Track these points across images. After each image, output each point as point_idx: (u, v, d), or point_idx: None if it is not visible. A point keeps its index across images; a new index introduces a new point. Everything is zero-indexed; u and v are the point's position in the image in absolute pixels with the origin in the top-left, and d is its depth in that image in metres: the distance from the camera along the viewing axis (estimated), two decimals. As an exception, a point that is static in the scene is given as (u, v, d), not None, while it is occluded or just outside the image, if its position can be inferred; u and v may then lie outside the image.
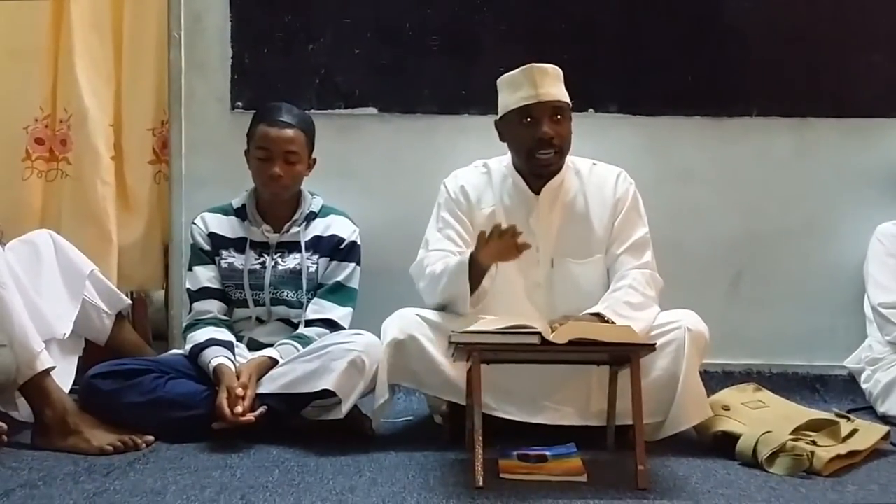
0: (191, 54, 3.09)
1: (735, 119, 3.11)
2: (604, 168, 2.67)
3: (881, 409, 2.76)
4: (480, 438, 2.13)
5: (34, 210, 3.12)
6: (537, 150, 2.53)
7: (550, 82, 2.54)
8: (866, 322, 2.97)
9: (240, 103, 3.09)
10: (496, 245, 2.32)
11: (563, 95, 2.56)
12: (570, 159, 2.64)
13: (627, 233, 2.58)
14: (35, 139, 3.12)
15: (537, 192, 2.60)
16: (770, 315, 3.11)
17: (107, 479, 2.13)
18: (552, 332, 2.17)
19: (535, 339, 2.13)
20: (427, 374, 2.44)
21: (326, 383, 2.41)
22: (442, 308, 2.50)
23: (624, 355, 2.23)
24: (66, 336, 2.61)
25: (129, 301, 2.89)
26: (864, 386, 2.88)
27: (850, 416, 2.51)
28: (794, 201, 3.11)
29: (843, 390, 2.99)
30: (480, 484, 2.09)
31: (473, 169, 2.69)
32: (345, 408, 2.41)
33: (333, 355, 2.44)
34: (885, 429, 2.48)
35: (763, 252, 3.12)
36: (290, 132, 2.68)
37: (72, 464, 2.24)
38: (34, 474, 2.15)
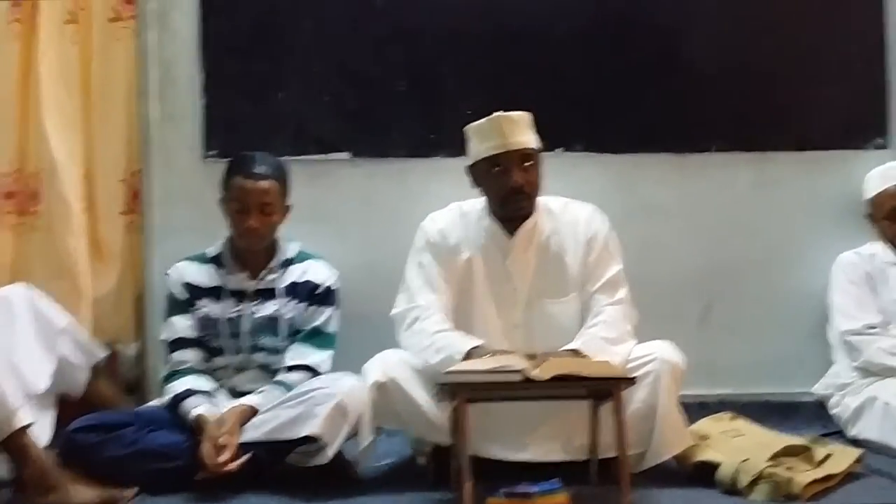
0: (162, 104, 3.12)
1: (696, 155, 3.20)
2: (576, 206, 2.73)
3: (852, 432, 2.82)
4: (469, 478, 2.14)
5: (4, 265, 3.08)
6: (509, 198, 2.58)
7: (519, 130, 2.58)
8: (832, 349, 3.04)
9: (212, 152, 3.12)
10: None
11: (531, 142, 2.61)
12: (542, 199, 2.69)
13: (601, 271, 2.63)
14: (5, 193, 3.10)
15: (511, 233, 2.64)
16: (739, 345, 3.18)
17: (92, 535, 2.12)
18: (534, 369, 2.20)
19: (517, 377, 2.17)
20: (410, 416, 2.46)
21: (310, 429, 2.41)
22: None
23: (605, 389, 2.27)
24: (43, 391, 2.59)
25: (105, 354, 2.87)
26: (833, 411, 2.95)
27: (824, 440, 2.57)
28: (757, 233, 3.20)
29: (813, 416, 3.04)
30: (470, 524, 2.12)
31: (449, 212, 2.73)
32: (330, 452, 2.42)
33: (316, 400, 2.45)
34: (857, 452, 2.55)
35: (730, 283, 3.19)
36: (265, 184, 2.69)
37: (55, 521, 2.22)
38: (19, 533, 2.13)
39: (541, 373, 2.18)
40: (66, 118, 3.10)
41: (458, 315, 2.59)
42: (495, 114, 2.60)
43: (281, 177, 2.75)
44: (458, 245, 2.65)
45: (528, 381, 2.16)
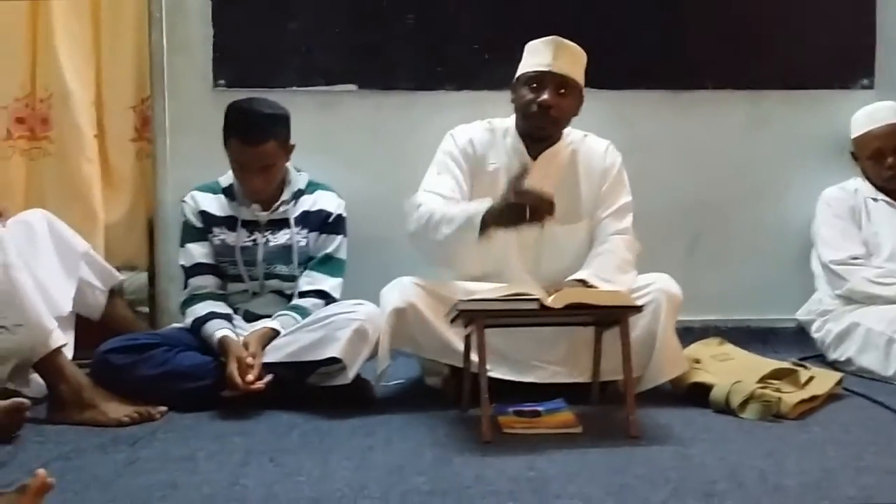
0: (172, 34, 3.14)
1: (691, 92, 3.32)
2: (594, 140, 2.85)
3: (832, 356, 3.02)
4: (487, 397, 2.30)
5: (18, 189, 3.15)
6: (533, 113, 2.68)
7: (566, 58, 2.68)
8: (814, 278, 3.23)
9: (222, 81, 3.17)
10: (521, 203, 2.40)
11: (574, 73, 2.70)
12: (566, 131, 2.80)
13: (612, 199, 2.77)
14: (16, 118, 3.14)
15: (534, 157, 2.75)
16: (725, 274, 3.35)
17: (134, 449, 2.24)
18: (548, 298, 2.34)
19: (534, 305, 2.30)
20: (427, 339, 2.59)
21: (333, 351, 2.54)
22: (433, 255, 2.62)
23: (612, 317, 2.42)
24: (67, 314, 2.69)
25: (122, 277, 2.96)
26: (815, 335, 3.14)
27: (806, 364, 2.77)
28: (746, 169, 3.35)
29: (793, 341, 3.25)
30: (489, 438, 2.28)
31: (477, 126, 2.81)
32: (351, 374, 2.55)
33: (338, 325, 2.57)
34: (838, 375, 2.74)
35: (718, 216, 3.35)
36: (263, 147, 2.69)
37: (94, 436, 2.32)
38: (62, 447, 2.23)
39: (555, 301, 2.32)
40: (77, 45, 3.14)
41: None
42: (552, 37, 2.69)
43: (279, 130, 2.72)
44: (484, 156, 2.73)
45: (544, 309, 2.30)
